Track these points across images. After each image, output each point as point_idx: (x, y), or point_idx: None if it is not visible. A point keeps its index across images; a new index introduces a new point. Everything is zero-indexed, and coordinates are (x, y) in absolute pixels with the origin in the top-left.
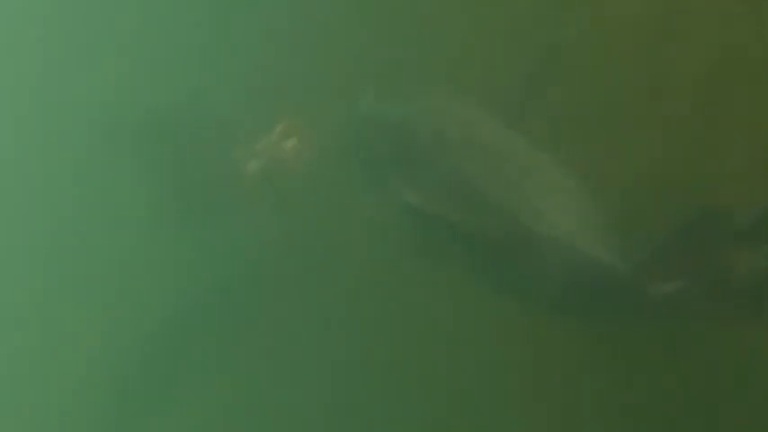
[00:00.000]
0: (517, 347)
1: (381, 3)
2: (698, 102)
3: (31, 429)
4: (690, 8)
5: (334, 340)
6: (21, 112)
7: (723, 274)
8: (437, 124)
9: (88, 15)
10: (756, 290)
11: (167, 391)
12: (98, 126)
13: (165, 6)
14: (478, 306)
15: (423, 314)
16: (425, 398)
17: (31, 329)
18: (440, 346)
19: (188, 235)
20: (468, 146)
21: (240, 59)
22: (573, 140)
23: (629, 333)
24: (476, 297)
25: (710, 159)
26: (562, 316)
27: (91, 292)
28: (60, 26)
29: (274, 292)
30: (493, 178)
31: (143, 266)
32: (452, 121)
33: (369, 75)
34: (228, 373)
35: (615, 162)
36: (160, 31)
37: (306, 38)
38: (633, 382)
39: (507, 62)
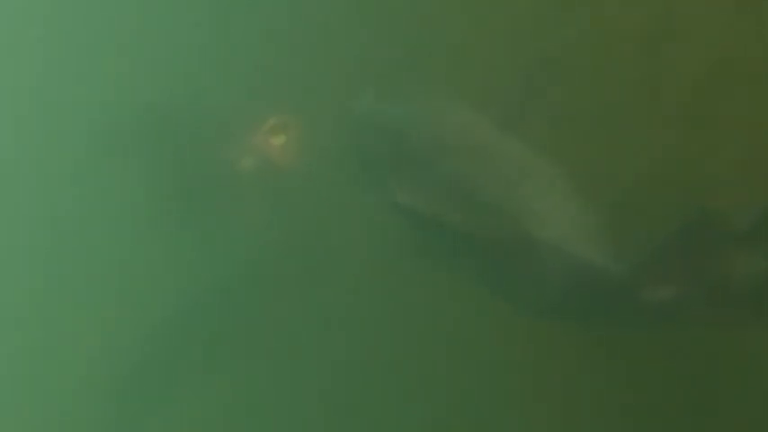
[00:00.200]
0: (517, 348)
1: (381, 3)
2: (696, 103)
3: (31, 429)
4: (689, 9)
5: (334, 340)
6: (21, 112)
7: (722, 277)
8: (435, 126)
9: (88, 15)
10: (755, 292)
11: (167, 391)
12: (98, 126)
13: (165, 6)
14: (478, 306)
15: (422, 314)
16: (425, 398)
17: (31, 329)
18: (439, 346)
19: (188, 235)
20: (466, 148)
21: (240, 59)
22: (571, 142)
23: (629, 334)
24: (475, 297)
25: (709, 161)
26: (560, 318)
27: (91, 292)
28: (60, 26)
29: (274, 292)
30: (490, 180)
31: (143, 266)
32: (451, 122)
33: (368, 76)
34: (228, 373)
35: (613, 164)
36: (160, 31)
37: (306, 38)
38: (633, 383)
39: (506, 63)
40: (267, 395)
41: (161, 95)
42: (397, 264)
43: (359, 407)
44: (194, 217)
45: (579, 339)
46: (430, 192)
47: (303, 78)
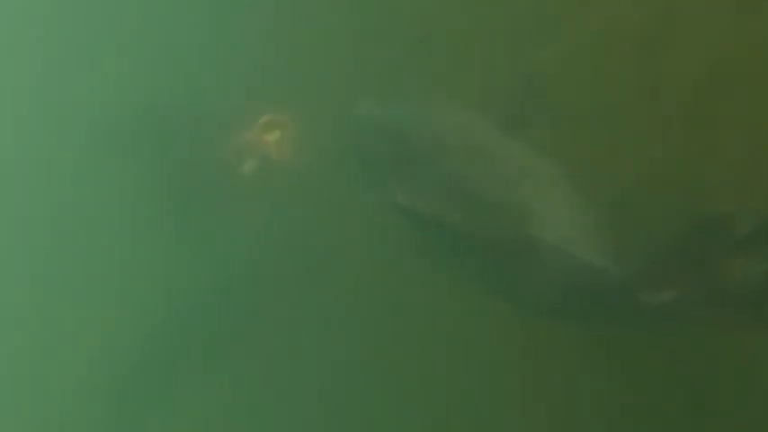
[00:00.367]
0: (517, 348)
1: (381, 3)
2: (697, 103)
3: (31, 429)
4: (689, 9)
5: (334, 340)
6: (21, 112)
7: (722, 280)
8: (435, 126)
9: (88, 15)
10: (756, 295)
11: (167, 391)
12: (98, 126)
13: (165, 6)
14: (478, 306)
15: (422, 314)
16: (425, 398)
17: (31, 329)
18: (439, 346)
19: (188, 235)
20: (466, 148)
21: (240, 59)
22: (571, 143)
23: (629, 336)
24: (475, 297)
25: (710, 161)
26: (559, 318)
27: (91, 292)
28: (60, 26)
29: (274, 292)
30: (490, 180)
31: (143, 266)
32: (451, 122)
33: (368, 76)
34: (228, 373)
35: (613, 164)
36: (160, 31)
37: (306, 38)
38: (632, 383)
39: (506, 64)
40: (267, 395)
41: (161, 95)
42: (397, 264)
43: (359, 407)
44: (194, 217)
45: (579, 339)
46: (430, 192)
47: (304, 79)
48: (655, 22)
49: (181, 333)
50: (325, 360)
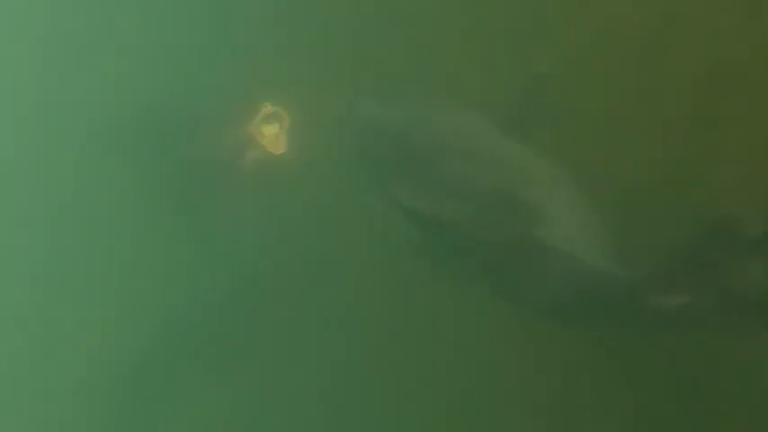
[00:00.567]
0: (517, 349)
1: (383, 5)
2: (697, 104)
3: (31, 429)
4: (690, 10)
5: (334, 340)
6: (21, 112)
7: (732, 284)
8: (437, 128)
9: (88, 15)
10: (763, 299)
11: (167, 391)
12: (98, 126)
13: (165, 6)
14: (478, 306)
15: (423, 314)
16: (426, 398)
17: (31, 329)
18: (439, 346)
19: (188, 235)
20: (468, 149)
21: (240, 60)
22: (572, 144)
23: (632, 338)
24: (475, 297)
25: (710, 161)
26: (560, 319)
27: (91, 292)
28: (60, 26)
29: (274, 293)
30: (491, 182)
31: (143, 266)
32: (452, 124)
33: (370, 78)
34: (229, 373)
35: (615, 165)
36: (160, 31)
37: (308, 40)
38: (633, 384)
39: (508, 66)
40: (267, 395)
41: (161, 95)
42: (397, 264)
43: (359, 407)
44: (194, 217)
45: (580, 340)
46: (430, 192)
47: (305, 80)
48: (655, 23)
49: (181, 333)
50: (325, 360)
